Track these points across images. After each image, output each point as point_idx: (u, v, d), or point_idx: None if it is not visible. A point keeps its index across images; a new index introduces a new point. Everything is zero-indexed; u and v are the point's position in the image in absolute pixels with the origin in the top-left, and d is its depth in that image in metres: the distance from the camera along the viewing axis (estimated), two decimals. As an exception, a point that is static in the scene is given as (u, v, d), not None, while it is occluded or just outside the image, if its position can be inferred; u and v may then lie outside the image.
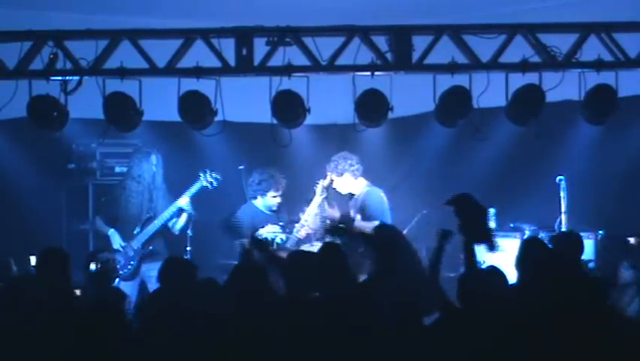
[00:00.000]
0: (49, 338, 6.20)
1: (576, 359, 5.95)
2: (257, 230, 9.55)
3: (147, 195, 10.01)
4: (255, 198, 9.91)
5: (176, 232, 10.09)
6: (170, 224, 10.00)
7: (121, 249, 9.83)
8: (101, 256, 8.13)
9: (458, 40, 8.70)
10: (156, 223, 9.95)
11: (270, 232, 9.66)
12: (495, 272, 6.73)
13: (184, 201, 9.87)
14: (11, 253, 8.44)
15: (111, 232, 9.99)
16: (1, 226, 10.65)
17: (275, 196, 9.84)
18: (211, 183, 9.91)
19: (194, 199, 9.91)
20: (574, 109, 9.00)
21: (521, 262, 7.06)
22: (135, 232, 9.93)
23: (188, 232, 10.10)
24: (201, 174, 9.92)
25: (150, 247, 9.89)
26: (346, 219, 8.94)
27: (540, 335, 6.02)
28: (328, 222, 9.23)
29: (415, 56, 8.66)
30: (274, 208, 9.86)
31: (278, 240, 9.58)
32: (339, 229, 7.02)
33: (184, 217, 9.98)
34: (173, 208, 9.90)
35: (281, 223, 9.78)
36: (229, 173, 10.13)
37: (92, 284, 7.95)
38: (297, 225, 9.50)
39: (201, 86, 8.74)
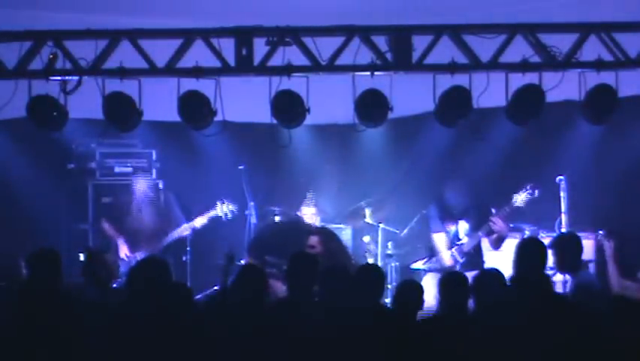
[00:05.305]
0: None
1: None
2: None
3: (150, 210, 10.06)
4: None
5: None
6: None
7: (126, 258, 9.86)
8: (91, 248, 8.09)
9: (458, 41, 8.69)
10: (166, 240, 10.00)
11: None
12: (487, 275, 6.75)
13: (199, 222, 9.92)
14: (11, 253, 8.41)
15: (121, 241, 10.01)
16: (0, 226, 10.65)
17: None
18: (225, 214, 9.95)
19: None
20: (574, 109, 8.99)
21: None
22: (143, 247, 9.96)
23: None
24: (218, 203, 9.95)
25: None
26: None
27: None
28: None
29: (415, 56, 8.64)
30: None
31: None
32: None
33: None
34: (185, 230, 9.99)
35: None
36: (229, 173, 10.12)
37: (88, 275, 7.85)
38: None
39: (201, 86, 8.73)
